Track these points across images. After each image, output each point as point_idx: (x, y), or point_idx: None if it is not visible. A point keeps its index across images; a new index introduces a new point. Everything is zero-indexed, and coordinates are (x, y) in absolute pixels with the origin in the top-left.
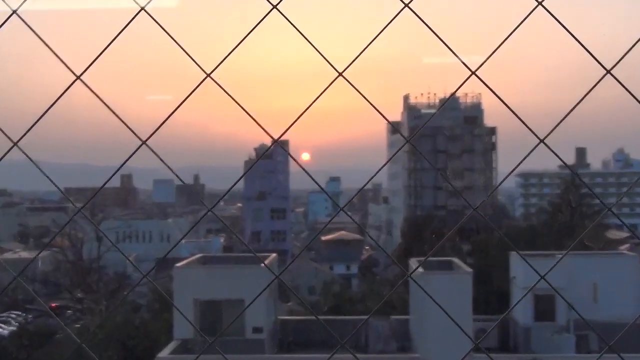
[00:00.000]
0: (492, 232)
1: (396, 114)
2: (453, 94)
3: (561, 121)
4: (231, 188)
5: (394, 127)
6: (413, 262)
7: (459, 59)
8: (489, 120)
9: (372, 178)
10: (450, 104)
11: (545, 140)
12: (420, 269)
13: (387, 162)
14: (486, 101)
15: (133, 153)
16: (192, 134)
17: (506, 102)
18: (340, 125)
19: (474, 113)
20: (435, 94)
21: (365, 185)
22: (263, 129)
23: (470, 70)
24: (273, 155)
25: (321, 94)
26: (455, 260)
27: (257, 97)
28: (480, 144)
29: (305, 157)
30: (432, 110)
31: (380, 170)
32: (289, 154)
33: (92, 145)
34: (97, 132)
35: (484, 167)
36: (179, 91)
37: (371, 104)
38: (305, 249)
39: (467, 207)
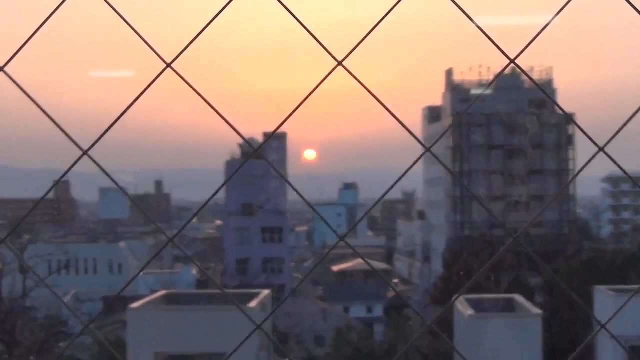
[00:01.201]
0: (571, 258)
1: (436, 94)
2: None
3: None
4: (205, 203)
5: (406, 128)
6: (459, 302)
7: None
8: (564, 103)
9: (388, 191)
10: (510, 82)
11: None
12: (470, 311)
13: (406, 172)
14: (560, 76)
15: (72, 165)
16: (154, 126)
17: (584, 79)
18: (355, 114)
19: (542, 94)
20: (489, 68)
21: (381, 199)
22: (237, 132)
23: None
24: (265, 154)
25: (319, 84)
26: (519, 297)
27: (238, 77)
28: (552, 136)
29: (309, 155)
30: (485, 91)
31: (399, 180)
32: (273, 166)
33: (13, 141)
34: (19, 125)
35: (558, 168)
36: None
37: (374, 97)
38: (303, 282)
39: (536, 223)
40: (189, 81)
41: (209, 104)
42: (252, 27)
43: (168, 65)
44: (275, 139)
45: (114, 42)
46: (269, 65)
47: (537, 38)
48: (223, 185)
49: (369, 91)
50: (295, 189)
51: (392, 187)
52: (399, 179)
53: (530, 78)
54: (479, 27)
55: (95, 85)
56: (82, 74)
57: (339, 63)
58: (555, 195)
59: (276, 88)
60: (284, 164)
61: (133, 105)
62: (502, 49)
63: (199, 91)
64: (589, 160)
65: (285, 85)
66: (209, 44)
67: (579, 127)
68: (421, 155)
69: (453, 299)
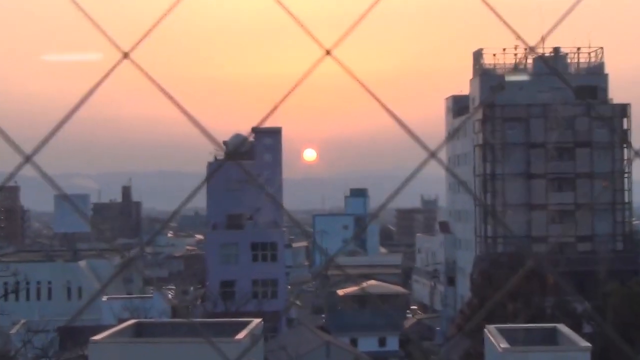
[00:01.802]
0: (626, 280)
1: (463, 81)
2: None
3: None
4: (174, 214)
5: (406, 128)
6: (491, 333)
7: None
8: (617, 94)
9: (387, 202)
10: (553, 66)
11: None
12: (504, 343)
13: (407, 181)
14: (614, 60)
15: (15, 172)
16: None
17: None
18: (362, 108)
19: (592, 81)
20: (526, 49)
21: (380, 211)
22: (204, 130)
23: None
24: (256, 154)
25: (306, 75)
26: (563, 327)
27: (225, 64)
28: (603, 132)
29: (309, 156)
30: (522, 77)
31: (400, 189)
32: (248, 172)
33: None
34: None
35: (610, 170)
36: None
37: (367, 90)
38: (298, 306)
39: (584, 238)
40: (171, 69)
41: (171, 98)
42: (238, 12)
43: (125, 55)
44: (268, 135)
45: (75, 29)
46: (259, 51)
47: (583, 16)
48: (196, 191)
49: (360, 83)
50: (279, 204)
51: (392, 197)
52: (400, 188)
53: (552, 67)
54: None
55: (53, 72)
56: (38, 60)
57: (327, 53)
58: (589, 204)
59: (269, 76)
60: (278, 166)
61: (94, 98)
62: (518, 35)
63: (162, 82)
64: None
65: (279, 73)
66: (192, 29)
67: None
68: (424, 162)
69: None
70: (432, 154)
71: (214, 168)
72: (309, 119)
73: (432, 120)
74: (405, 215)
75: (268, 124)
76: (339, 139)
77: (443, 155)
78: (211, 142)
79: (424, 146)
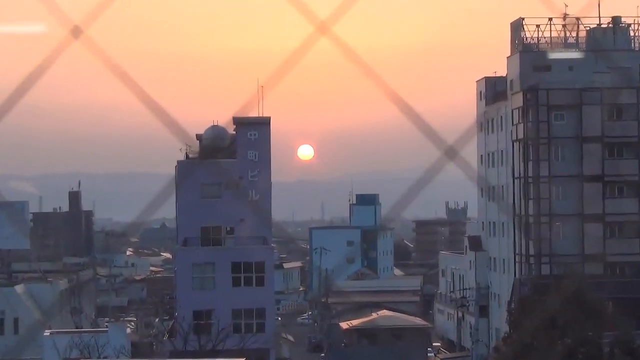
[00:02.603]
0: None
1: (500, 59)
2: None
3: None
4: (136, 224)
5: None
6: None
7: None
8: None
9: (403, 206)
10: (613, 41)
11: None
12: None
13: (421, 184)
14: None
15: None
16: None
17: None
18: (369, 95)
19: None
20: (578, 19)
21: (395, 215)
22: (178, 128)
23: None
24: (238, 150)
25: (300, 53)
26: None
27: (186, 37)
28: None
29: (305, 153)
30: (573, 54)
31: (418, 191)
32: (226, 172)
33: None
34: None
35: None
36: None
37: (368, 71)
38: (281, 343)
39: None
40: (132, 45)
41: (130, 81)
42: None
43: (75, 30)
44: (253, 127)
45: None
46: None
47: None
48: (162, 198)
49: (360, 64)
50: (267, 214)
51: (405, 203)
52: (414, 192)
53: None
54: None
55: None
56: None
57: (321, 26)
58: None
59: (254, 53)
60: (266, 166)
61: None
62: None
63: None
64: None
65: (266, 49)
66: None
67: None
68: (440, 162)
69: None
70: (450, 152)
71: (185, 168)
72: (304, 108)
73: (460, 108)
74: (426, 227)
75: (253, 112)
76: (342, 133)
77: (472, 152)
78: (179, 136)
79: (436, 142)
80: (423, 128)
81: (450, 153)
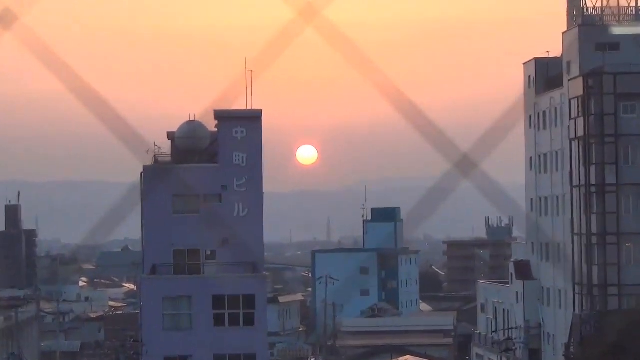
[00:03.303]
0: None
1: (554, 35)
2: None
3: None
4: (89, 247)
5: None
6: None
7: None
8: None
9: (422, 220)
10: None
11: None
12: None
13: (442, 195)
14: None
15: None
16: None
17: None
18: (377, 89)
19: None
20: None
21: (414, 227)
22: (130, 130)
23: None
24: (221, 153)
25: (297, 26)
26: None
27: (157, 11)
28: None
29: (306, 156)
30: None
31: (439, 202)
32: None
33: None
34: None
35: None
36: None
37: (357, 59)
38: None
39: None
40: (85, 20)
41: (64, 67)
42: None
43: (5, 15)
44: (240, 124)
45: None
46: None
47: None
48: (122, 214)
49: (353, 50)
50: (259, 234)
51: (425, 216)
52: (434, 204)
53: None
54: None
55: None
56: None
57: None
58: None
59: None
60: (257, 172)
61: None
62: None
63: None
64: None
65: (253, 25)
66: None
67: None
68: (452, 173)
69: None
70: (465, 163)
71: (154, 176)
72: (305, 99)
73: (505, 97)
74: (461, 250)
75: (240, 104)
76: (352, 130)
77: (518, 154)
78: (134, 141)
79: (442, 150)
80: (417, 129)
81: (471, 159)
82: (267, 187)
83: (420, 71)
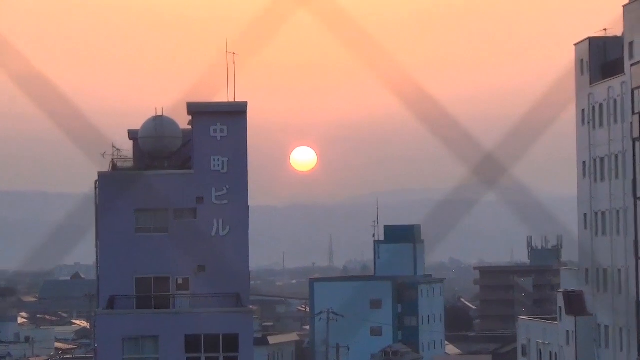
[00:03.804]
0: None
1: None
2: None
3: None
4: (29, 274)
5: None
6: None
7: None
8: None
9: (442, 236)
10: None
11: None
12: None
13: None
14: None
15: None
16: None
17: None
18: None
19: None
20: None
21: (434, 244)
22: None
23: None
24: (195, 156)
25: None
26: None
27: None
28: None
29: (302, 160)
30: None
31: (458, 220)
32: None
33: None
34: None
35: None
36: None
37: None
38: None
39: None
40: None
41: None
42: None
43: None
44: (219, 119)
45: None
46: None
47: None
48: (72, 236)
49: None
50: (243, 258)
51: (446, 232)
52: (454, 221)
53: None
54: None
55: None
56: None
57: None
58: None
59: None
60: (242, 180)
61: None
62: None
63: None
64: None
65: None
66: None
67: None
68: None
69: None
70: (497, 169)
71: (111, 186)
72: (300, 91)
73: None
74: (496, 278)
75: (220, 96)
76: (358, 129)
77: (569, 159)
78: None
79: (469, 154)
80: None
81: (503, 163)
82: (253, 199)
83: (440, 56)
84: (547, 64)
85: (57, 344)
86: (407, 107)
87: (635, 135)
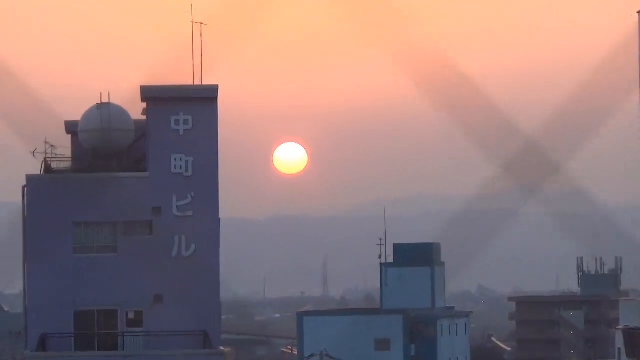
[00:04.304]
0: None
1: None
2: None
3: None
4: None
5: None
6: None
7: None
8: None
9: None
10: None
11: None
12: None
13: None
14: None
15: None
16: None
17: None
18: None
19: None
20: None
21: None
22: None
23: None
24: (151, 155)
25: None
26: None
27: None
28: None
29: (290, 160)
30: None
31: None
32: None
33: None
34: None
35: None
36: None
37: None
38: None
39: None
40: None
41: None
42: None
43: None
44: (182, 107)
45: None
46: None
47: None
48: None
49: None
50: (213, 287)
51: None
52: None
53: None
54: None
55: None
56: None
57: None
58: None
59: None
60: (211, 185)
61: None
62: None
63: None
64: None
65: None
66: None
67: None
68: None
69: None
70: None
71: (42, 192)
72: (286, 70)
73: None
74: (538, 311)
75: (184, 78)
76: (357, 117)
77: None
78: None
79: (499, 150)
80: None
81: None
82: (226, 210)
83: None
84: (604, 33)
85: None
86: (423, 87)
87: None
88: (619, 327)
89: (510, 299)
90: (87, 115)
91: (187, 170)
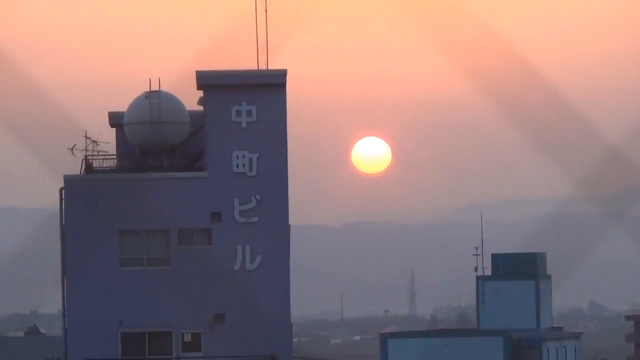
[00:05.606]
0: None
1: None
2: None
3: None
4: None
5: None
6: None
7: None
8: None
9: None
10: None
11: None
12: None
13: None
14: None
15: None
16: None
17: None
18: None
19: None
20: None
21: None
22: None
23: None
24: (208, 153)
25: None
26: None
27: None
28: None
29: (371, 158)
30: None
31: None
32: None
33: None
34: None
35: None
36: None
37: None
38: None
39: None
40: None
41: None
42: None
43: None
44: (245, 95)
45: None
46: None
47: None
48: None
49: None
50: (284, 305)
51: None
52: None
53: None
54: None
55: None
56: None
57: None
58: None
59: None
60: (280, 187)
61: None
62: None
63: None
64: None
65: None
66: None
67: None
68: None
69: None
70: None
71: (82, 195)
72: (366, 55)
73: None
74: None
75: (248, 62)
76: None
77: None
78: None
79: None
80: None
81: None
82: (297, 215)
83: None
84: None
85: None
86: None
87: None
88: None
89: (628, 317)
90: (134, 105)
91: (251, 170)
